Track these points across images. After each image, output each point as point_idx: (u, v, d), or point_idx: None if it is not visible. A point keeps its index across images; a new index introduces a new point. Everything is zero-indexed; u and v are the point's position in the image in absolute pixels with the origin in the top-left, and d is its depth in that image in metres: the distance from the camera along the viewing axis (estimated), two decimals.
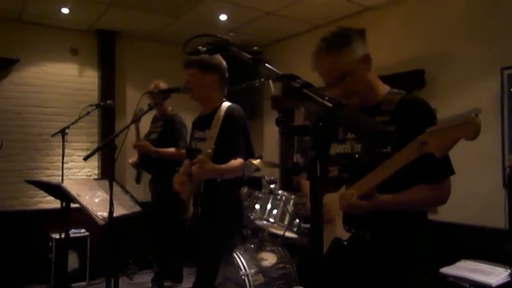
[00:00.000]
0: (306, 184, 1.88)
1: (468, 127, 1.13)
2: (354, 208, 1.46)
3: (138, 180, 4.23)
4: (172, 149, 3.97)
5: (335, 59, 1.60)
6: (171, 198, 3.32)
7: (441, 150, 1.21)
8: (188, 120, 3.21)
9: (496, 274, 2.87)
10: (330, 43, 1.62)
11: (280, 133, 5.28)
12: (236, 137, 2.46)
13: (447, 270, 3.01)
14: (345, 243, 1.56)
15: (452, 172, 1.54)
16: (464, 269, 2.99)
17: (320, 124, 0.94)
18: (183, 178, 2.52)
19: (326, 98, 0.93)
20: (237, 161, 2.39)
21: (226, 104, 2.55)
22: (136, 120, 3.62)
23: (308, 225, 3.47)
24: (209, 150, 2.19)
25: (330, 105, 0.91)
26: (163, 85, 4.02)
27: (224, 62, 2.56)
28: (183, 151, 3.90)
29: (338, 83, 1.61)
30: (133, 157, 4.24)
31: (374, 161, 1.43)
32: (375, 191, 1.45)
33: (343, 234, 1.57)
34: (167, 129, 4.12)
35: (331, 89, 1.63)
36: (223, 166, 2.32)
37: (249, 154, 2.57)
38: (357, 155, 1.62)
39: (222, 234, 2.49)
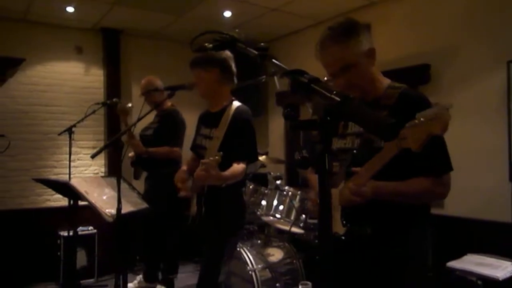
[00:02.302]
0: (313, 178, 1.88)
1: (438, 122, 1.12)
2: (358, 194, 1.42)
3: (135, 176, 4.05)
4: (164, 148, 3.73)
5: (341, 49, 1.59)
6: (165, 195, 3.27)
7: (417, 145, 1.20)
8: (192, 117, 3.17)
9: (503, 267, 2.87)
10: (338, 32, 1.60)
11: (290, 128, 5.30)
12: (240, 141, 2.46)
13: (453, 264, 3.01)
14: (343, 238, 1.55)
15: (451, 168, 1.54)
16: (471, 263, 2.99)
17: (328, 118, 0.95)
18: (184, 176, 2.53)
19: (334, 92, 0.94)
20: (240, 166, 2.40)
21: (235, 105, 2.56)
22: (123, 114, 3.70)
23: (314, 221, 3.48)
24: (217, 157, 2.13)
25: (338, 99, 0.92)
26: (159, 82, 3.91)
27: (223, 54, 2.51)
28: (176, 149, 3.78)
29: (342, 74, 1.60)
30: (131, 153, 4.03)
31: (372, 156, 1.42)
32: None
33: (341, 230, 1.57)
34: (163, 125, 3.87)
35: (334, 80, 1.63)
36: (226, 173, 2.30)
37: (253, 157, 2.58)
38: (355, 151, 1.61)
39: (223, 232, 2.52)
